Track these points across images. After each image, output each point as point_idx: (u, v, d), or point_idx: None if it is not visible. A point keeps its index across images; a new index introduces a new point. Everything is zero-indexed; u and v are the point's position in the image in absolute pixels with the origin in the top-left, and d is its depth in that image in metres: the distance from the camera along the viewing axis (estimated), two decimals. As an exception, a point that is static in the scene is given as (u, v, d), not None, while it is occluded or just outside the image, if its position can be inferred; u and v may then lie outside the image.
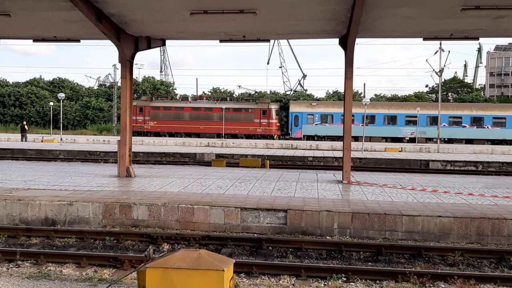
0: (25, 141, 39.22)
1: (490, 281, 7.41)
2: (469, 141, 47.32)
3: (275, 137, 50.32)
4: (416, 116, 45.98)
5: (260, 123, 50.07)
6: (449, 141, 47.60)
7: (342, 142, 15.30)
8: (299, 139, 48.70)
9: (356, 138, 47.08)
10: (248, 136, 50.13)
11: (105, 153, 28.59)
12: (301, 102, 54.51)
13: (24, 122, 43.77)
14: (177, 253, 5.47)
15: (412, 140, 47.12)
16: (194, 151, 30.45)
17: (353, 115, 52.00)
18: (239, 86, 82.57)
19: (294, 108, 50.58)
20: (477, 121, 47.22)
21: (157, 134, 51.89)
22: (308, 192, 12.73)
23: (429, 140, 47.18)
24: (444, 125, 46.47)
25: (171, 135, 51.25)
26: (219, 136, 49.72)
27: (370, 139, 46.72)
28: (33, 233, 9.92)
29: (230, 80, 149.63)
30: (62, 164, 20.41)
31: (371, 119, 47.48)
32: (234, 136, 50.10)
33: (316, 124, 49.44)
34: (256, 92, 71.72)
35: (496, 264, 8.55)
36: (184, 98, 54.18)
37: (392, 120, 48.35)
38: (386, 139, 48.07)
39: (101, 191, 12.30)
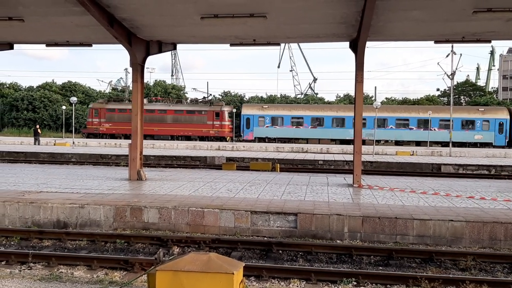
0: (38, 144, 39.61)
1: (503, 287, 7.32)
2: (417, 143, 47.84)
3: (227, 139, 51.16)
4: (364, 118, 46.25)
5: (213, 125, 50.88)
6: (398, 143, 48.33)
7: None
8: (251, 141, 49.45)
9: (307, 140, 48.72)
10: (201, 138, 50.88)
11: (117, 156, 28.77)
12: (253, 104, 55.05)
13: (37, 126, 44.22)
14: (187, 256, 5.49)
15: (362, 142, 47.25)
16: (204, 154, 30.53)
17: (301, 118, 49.31)
18: (194, 89, 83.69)
19: (245, 111, 51.32)
20: (424, 124, 47.59)
21: (113, 136, 52.77)
22: (318, 195, 12.69)
23: (377, 142, 47.38)
24: (391, 127, 47.63)
25: (126, 137, 51.63)
26: (172, 138, 50.87)
27: (319, 141, 47.44)
28: (45, 236, 10.01)
29: (241, 84, 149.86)
30: (74, 167, 20.58)
31: (319, 121, 48.10)
32: (188, 138, 50.96)
33: (267, 127, 50.25)
34: (211, 94, 73.27)
35: (509, 269, 8.45)
36: None
37: (340, 122, 48.95)
38: (335, 141, 48.68)
39: (112, 194, 12.37)
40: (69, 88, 75.98)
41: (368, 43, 14.29)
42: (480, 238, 9.65)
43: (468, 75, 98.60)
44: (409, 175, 21.57)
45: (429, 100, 73.38)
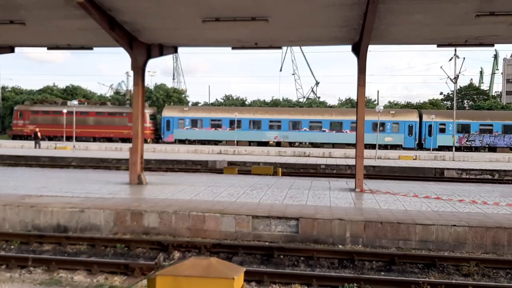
0: (39, 148, 39.64)
1: (507, 292, 7.24)
2: (333, 146, 48.42)
3: (148, 140, 51.66)
4: (279, 121, 48.25)
5: None
6: (312, 145, 48.86)
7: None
8: (172, 143, 49.94)
9: (225, 142, 49.41)
10: (123, 140, 51.46)
11: (117, 160, 28.73)
12: (174, 107, 55.54)
13: (37, 130, 44.35)
14: (187, 261, 5.44)
15: (277, 144, 48.85)
16: (206, 158, 30.49)
17: (220, 120, 50.22)
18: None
19: (166, 113, 51.81)
20: (336, 126, 48.26)
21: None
22: (320, 200, 12.62)
23: (291, 144, 48.91)
24: (305, 129, 48.21)
25: (50, 139, 52.38)
26: (94, 140, 51.61)
27: (237, 143, 47.94)
28: (45, 240, 9.97)
29: (243, 88, 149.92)
30: (74, 171, 20.55)
31: (238, 123, 48.65)
32: (109, 139, 51.68)
33: (187, 129, 50.82)
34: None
35: (512, 274, 8.37)
36: (63, 103, 55.78)
37: (257, 124, 49.51)
38: (252, 143, 49.26)
39: (113, 198, 12.32)
40: (70, 92, 76.20)
41: (371, 47, 14.31)
42: (483, 243, 9.56)
43: (471, 79, 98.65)
44: (411, 179, 21.46)
45: (432, 104, 73.31)
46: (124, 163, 26.99)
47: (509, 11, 11.74)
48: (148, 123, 51.81)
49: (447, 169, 26.35)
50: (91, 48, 16.46)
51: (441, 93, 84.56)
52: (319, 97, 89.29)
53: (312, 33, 14.34)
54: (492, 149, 46.09)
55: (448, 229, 9.67)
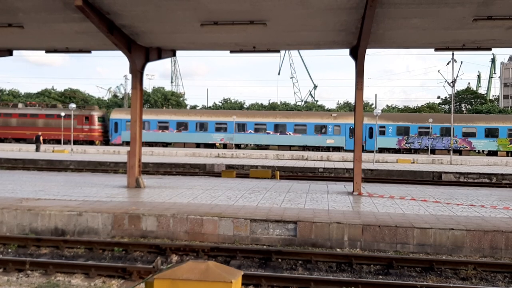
0: (38, 151, 39.63)
1: (505, 296, 7.25)
2: (276, 147, 49.43)
3: (96, 142, 52.52)
4: (225, 123, 49.13)
5: (82, 129, 52.35)
6: (258, 146, 50.14)
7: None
8: (119, 145, 50.34)
9: (172, 144, 50.13)
10: (74, 142, 51.92)
11: (115, 164, 28.71)
12: (122, 109, 55.80)
13: (39, 133, 44.59)
14: (185, 265, 5.43)
15: (224, 146, 49.84)
16: (204, 161, 30.47)
17: (167, 122, 51.12)
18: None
19: (114, 115, 52.17)
20: (280, 128, 48.93)
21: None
22: (318, 203, 12.62)
23: (237, 146, 49.71)
24: (250, 131, 49.08)
25: (1, 140, 53.28)
26: (44, 141, 51.56)
27: (184, 145, 48.63)
28: (42, 243, 9.94)
29: (242, 91, 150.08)
30: (72, 175, 20.51)
31: (184, 125, 49.36)
32: (58, 141, 52.12)
33: None
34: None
35: (510, 278, 8.38)
36: (14, 105, 56.40)
37: (203, 127, 50.16)
38: (199, 145, 49.90)
39: (111, 201, 12.31)
40: (68, 95, 76.23)
41: (370, 50, 14.36)
42: (481, 247, 9.57)
43: (469, 83, 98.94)
44: (409, 183, 21.51)
45: (430, 108, 73.52)
46: (122, 166, 26.98)
47: (506, 15, 11.79)
48: (97, 125, 52.89)
49: (445, 172, 26.37)
50: (89, 52, 16.45)
51: (438, 97, 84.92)
52: (317, 101, 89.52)
53: (310, 37, 14.37)
54: (431, 151, 47.15)
55: (446, 233, 9.68)
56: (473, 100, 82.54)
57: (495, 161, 35.93)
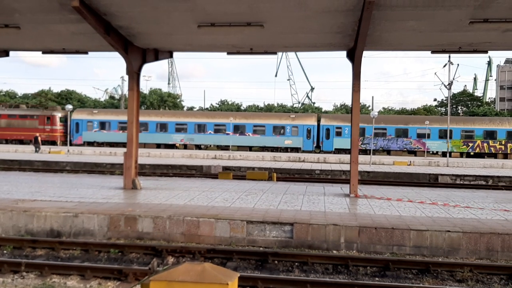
0: (37, 152, 39.62)
1: (500, 298, 7.25)
2: (236, 148, 49.93)
3: (58, 142, 52.89)
4: (185, 124, 50.02)
5: (44, 129, 52.77)
6: (218, 147, 50.91)
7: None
8: (81, 145, 51.00)
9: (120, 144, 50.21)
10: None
11: (112, 165, 28.64)
12: (83, 110, 56.53)
13: (38, 134, 44.64)
14: (181, 266, 5.41)
15: (184, 146, 50.52)
16: (200, 163, 30.44)
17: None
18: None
19: (75, 116, 52.61)
20: (240, 129, 49.67)
21: None
22: (314, 205, 12.62)
23: (197, 147, 50.51)
24: (210, 132, 49.89)
25: None
26: (7, 142, 52.97)
27: (145, 145, 48.89)
28: (38, 245, 9.89)
29: (239, 93, 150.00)
30: (68, 176, 20.45)
31: (145, 126, 49.68)
32: (21, 142, 52.76)
33: (95, 131, 52.06)
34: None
35: (506, 280, 8.39)
36: None
37: (163, 127, 50.70)
38: (160, 146, 50.42)
39: (107, 203, 12.27)
40: (65, 96, 76.09)
41: (367, 53, 14.40)
42: (477, 249, 9.59)
43: (465, 85, 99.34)
44: (406, 185, 21.53)
45: (426, 110, 73.74)
46: (118, 167, 26.93)
47: (502, 18, 11.84)
48: (58, 126, 53.43)
49: (441, 175, 26.43)
50: (86, 53, 16.43)
51: (435, 100, 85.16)
52: (314, 103, 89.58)
53: (307, 39, 14.39)
54: (387, 152, 48.08)
55: (442, 235, 9.69)
56: (469, 103, 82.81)
57: (492, 163, 36.03)
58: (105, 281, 7.93)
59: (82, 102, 75.86)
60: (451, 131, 44.55)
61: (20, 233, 10.74)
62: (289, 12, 11.99)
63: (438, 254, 9.64)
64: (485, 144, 47.09)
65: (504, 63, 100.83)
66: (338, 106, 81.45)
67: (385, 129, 47.87)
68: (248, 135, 49.38)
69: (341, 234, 9.95)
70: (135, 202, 12.65)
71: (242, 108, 76.65)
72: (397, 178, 26.14)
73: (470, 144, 46.69)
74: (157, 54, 15.87)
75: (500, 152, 46.93)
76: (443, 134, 46.64)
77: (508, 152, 46.80)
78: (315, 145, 48.90)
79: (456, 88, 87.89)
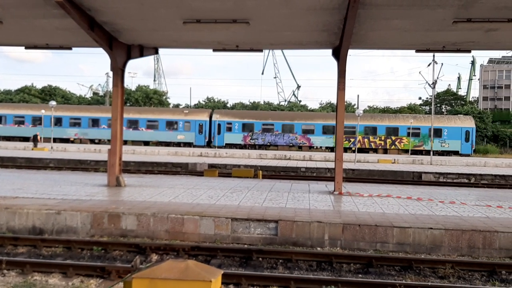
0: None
1: (481, 294, 7.35)
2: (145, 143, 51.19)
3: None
4: (80, 119, 51.21)
5: None
6: (107, 142, 51.39)
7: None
8: None
9: (80, 140, 51.54)
10: None
11: (96, 162, 28.39)
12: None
13: (37, 133, 44.37)
14: (164, 264, 5.39)
15: (80, 141, 51.37)
16: (186, 161, 30.33)
17: (23, 117, 53.13)
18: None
19: None
20: (133, 124, 50.59)
21: None
22: (299, 202, 12.66)
23: (92, 141, 51.33)
24: (104, 127, 50.94)
25: None
26: None
27: (41, 139, 49.11)
28: (20, 242, 9.77)
29: (225, 90, 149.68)
30: (51, 173, 20.21)
31: (40, 120, 50.06)
32: None
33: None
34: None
35: (487, 277, 8.50)
36: None
37: (58, 121, 51.23)
38: (55, 140, 50.31)
39: (90, 200, 12.16)
40: (49, 92, 75.20)
41: (354, 51, 14.53)
42: (459, 246, 9.70)
43: (449, 85, 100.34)
44: (390, 183, 21.71)
45: (411, 109, 74.34)
46: (102, 164, 26.69)
47: (485, 18, 11.97)
48: None
49: (425, 172, 26.70)
50: (70, 48, 16.23)
51: (419, 98, 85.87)
52: (300, 101, 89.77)
53: (293, 36, 14.39)
54: (274, 146, 49.67)
55: (425, 232, 9.79)
56: (453, 102, 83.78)
57: (474, 161, 36.51)
58: (88, 278, 7.86)
59: (66, 99, 75.07)
60: (333, 127, 45.52)
61: (2, 231, 10.59)
62: (275, 9, 11.99)
63: (421, 251, 9.74)
64: (365, 140, 48.92)
65: (488, 63, 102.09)
66: (324, 104, 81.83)
67: (272, 124, 49.45)
68: (142, 130, 50.54)
69: (325, 231, 10.00)
70: (119, 199, 12.55)
71: (228, 105, 76.52)
72: (382, 176, 26.36)
73: (352, 140, 47.94)
74: (142, 50, 15.76)
75: (379, 147, 48.75)
76: (326, 130, 48.43)
77: (388, 147, 48.54)
78: (207, 140, 50.22)
79: (441, 87, 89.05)
